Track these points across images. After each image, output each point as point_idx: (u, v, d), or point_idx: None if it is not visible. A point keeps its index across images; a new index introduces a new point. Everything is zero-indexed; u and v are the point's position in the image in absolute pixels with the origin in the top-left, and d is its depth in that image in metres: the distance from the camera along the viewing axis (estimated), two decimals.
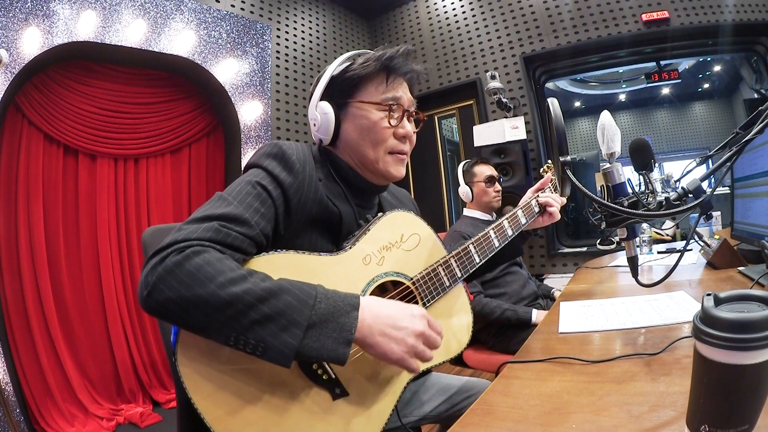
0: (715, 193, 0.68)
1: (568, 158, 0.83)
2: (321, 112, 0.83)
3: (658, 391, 0.57)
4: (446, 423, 1.00)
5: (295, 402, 0.67)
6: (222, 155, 3.24)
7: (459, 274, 0.88)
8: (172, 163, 3.01)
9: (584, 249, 3.39)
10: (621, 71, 6.50)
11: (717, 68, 6.45)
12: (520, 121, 3.35)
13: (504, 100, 3.33)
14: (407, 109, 0.85)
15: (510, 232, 1.02)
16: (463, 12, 3.88)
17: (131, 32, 2.55)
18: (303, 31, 3.69)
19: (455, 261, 0.88)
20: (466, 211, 2.08)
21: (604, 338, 0.83)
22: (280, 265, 0.70)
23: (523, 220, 1.07)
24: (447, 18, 3.96)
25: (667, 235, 2.33)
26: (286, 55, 3.49)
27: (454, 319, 0.88)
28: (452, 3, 3.94)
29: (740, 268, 1.20)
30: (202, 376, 0.63)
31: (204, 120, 3.12)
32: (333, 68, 0.84)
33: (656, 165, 0.97)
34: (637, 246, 0.93)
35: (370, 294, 0.78)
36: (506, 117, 3.44)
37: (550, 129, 0.83)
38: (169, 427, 2.39)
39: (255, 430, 0.64)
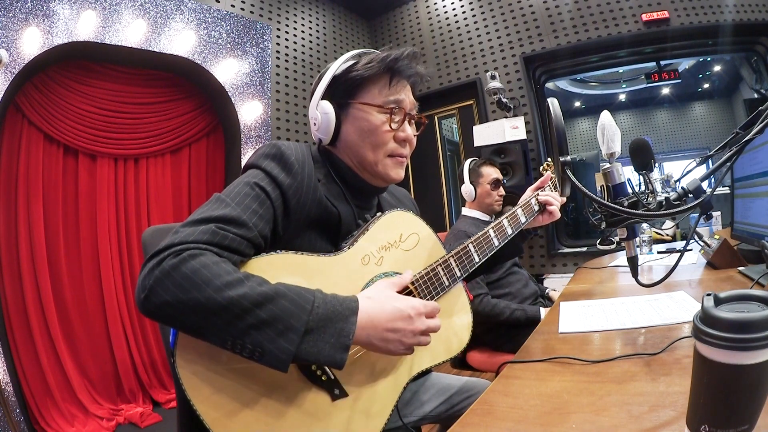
0: (715, 193, 0.68)
1: (568, 158, 0.83)
2: (322, 112, 0.82)
3: (658, 391, 0.57)
4: (446, 423, 1.00)
5: (294, 403, 0.67)
6: (222, 155, 3.24)
7: (458, 274, 0.88)
8: (172, 163, 3.01)
9: (584, 249, 3.39)
10: (621, 71, 6.50)
11: (717, 68, 6.45)
12: (520, 121, 3.35)
13: (504, 100, 3.33)
14: (409, 113, 0.85)
15: (510, 231, 1.02)
16: (463, 12, 3.88)
17: (131, 32, 2.55)
18: (303, 31, 3.69)
19: (454, 260, 0.88)
20: (466, 211, 2.06)
21: (604, 338, 0.83)
22: (278, 266, 0.70)
23: (523, 219, 1.07)
24: (447, 18, 3.96)
25: (667, 235, 2.33)
26: (286, 55, 3.49)
27: (455, 318, 0.88)
28: (452, 3, 3.94)
29: (740, 268, 1.20)
30: (201, 378, 0.63)
31: (204, 120, 3.12)
32: (336, 67, 0.83)
33: (656, 165, 0.97)
34: (637, 246, 0.93)
35: None
36: (506, 117, 3.44)
37: (550, 129, 0.83)
38: (169, 427, 2.39)
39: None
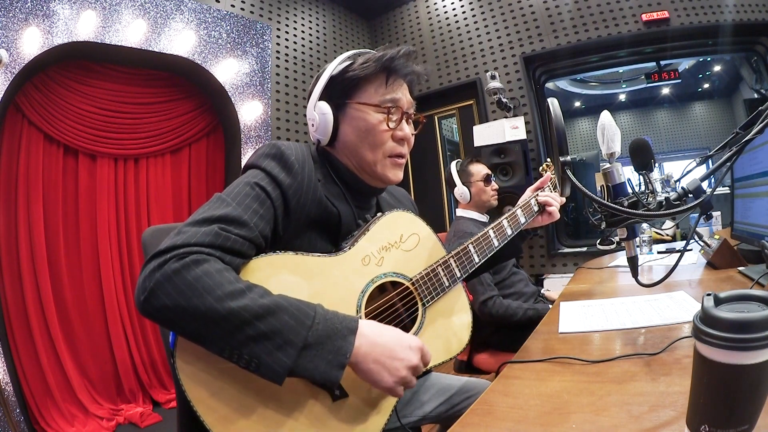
0: (715, 193, 0.68)
1: (568, 158, 0.83)
2: (319, 113, 0.82)
3: (658, 391, 0.57)
4: (446, 423, 1.00)
5: (294, 404, 0.67)
6: (222, 155, 3.24)
7: (458, 274, 0.88)
8: (172, 163, 3.01)
9: (584, 249, 3.39)
10: (621, 71, 6.50)
11: (717, 68, 6.45)
12: (520, 121, 3.35)
13: (504, 100, 3.33)
14: (406, 111, 0.85)
15: (509, 231, 1.02)
16: (463, 12, 3.88)
17: (131, 32, 2.55)
18: (303, 31, 3.69)
19: (454, 261, 0.88)
20: (461, 212, 2.03)
21: (604, 338, 0.83)
22: (279, 267, 0.70)
23: (523, 219, 1.07)
24: (447, 18, 3.96)
25: (667, 235, 2.33)
26: (286, 55, 3.49)
27: (455, 318, 0.88)
28: (452, 3, 3.94)
29: (740, 268, 1.20)
30: (200, 379, 0.63)
31: (204, 120, 3.12)
32: (332, 68, 0.83)
33: (656, 165, 0.97)
34: (637, 246, 0.93)
35: (369, 294, 0.78)
36: (506, 117, 3.44)
37: (550, 129, 0.83)
38: (169, 427, 2.39)
39: None
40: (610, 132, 0.86)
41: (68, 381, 2.37)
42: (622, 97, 7.26)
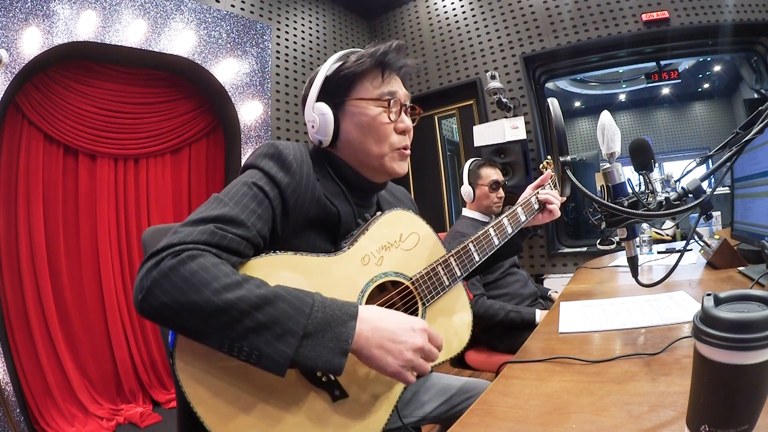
0: (715, 193, 0.68)
1: (568, 158, 0.83)
2: (318, 113, 0.82)
3: (658, 391, 0.57)
4: (446, 423, 1.00)
5: (294, 404, 0.67)
6: (222, 155, 3.24)
7: (458, 273, 0.88)
8: (172, 163, 3.01)
9: (584, 249, 3.38)
10: (621, 71, 6.50)
11: (717, 68, 6.45)
12: (520, 121, 3.35)
13: (504, 100, 3.33)
14: (404, 104, 0.85)
15: (510, 230, 1.02)
16: (463, 12, 3.88)
17: (131, 32, 2.55)
18: (303, 31, 3.69)
19: (454, 260, 0.88)
20: (465, 212, 2.05)
21: (604, 338, 0.83)
22: (278, 267, 0.70)
23: (523, 218, 1.07)
24: (447, 18, 3.96)
25: (667, 235, 2.33)
26: (286, 55, 3.49)
27: (455, 317, 0.88)
28: (452, 3, 3.94)
29: (740, 268, 1.20)
30: (200, 379, 0.63)
31: (204, 120, 3.12)
32: (326, 68, 0.84)
33: (656, 165, 0.97)
34: (637, 246, 0.93)
35: (369, 294, 0.78)
36: (506, 117, 3.44)
37: (550, 129, 0.83)
38: (169, 427, 2.39)
39: None
40: (610, 132, 0.86)
41: (68, 381, 2.37)
42: (622, 97, 7.26)
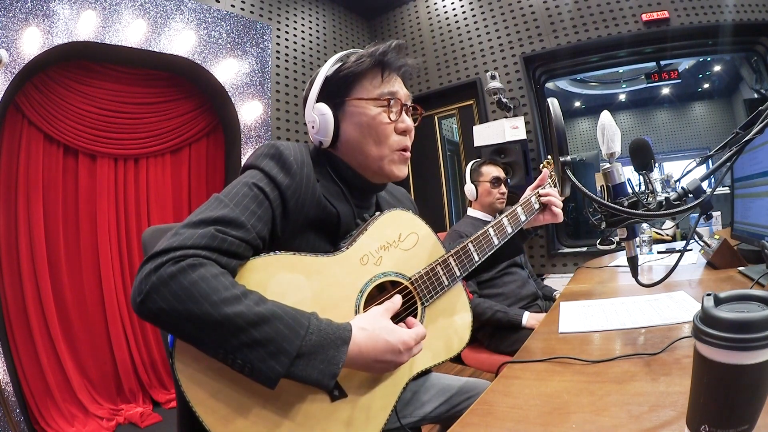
0: (715, 193, 0.68)
1: (568, 158, 0.83)
2: (318, 114, 0.82)
3: (658, 391, 0.57)
4: (446, 423, 1.00)
5: (294, 404, 0.67)
6: (222, 155, 3.24)
7: (458, 273, 0.88)
8: (172, 163, 3.01)
9: (584, 249, 3.38)
10: (621, 71, 6.50)
11: (717, 68, 6.45)
12: (520, 121, 3.35)
13: (504, 100, 3.33)
14: (405, 104, 0.85)
15: (509, 230, 1.02)
16: (463, 12, 3.88)
17: (131, 32, 2.55)
18: (303, 31, 3.69)
19: (454, 260, 0.88)
20: (470, 211, 2.08)
21: (604, 338, 0.83)
22: (277, 267, 0.70)
23: (523, 217, 1.07)
24: (447, 18, 3.96)
25: (667, 235, 2.33)
26: (286, 55, 3.49)
27: (456, 317, 0.88)
28: (452, 3, 3.94)
29: (740, 268, 1.20)
30: (200, 379, 0.63)
31: (204, 120, 3.12)
32: (326, 69, 0.84)
33: (656, 165, 0.97)
34: (637, 246, 0.93)
35: (368, 294, 0.78)
36: (506, 117, 3.44)
37: (550, 129, 0.83)
38: (169, 427, 2.39)
39: None
40: (610, 132, 0.86)
41: (68, 381, 2.37)
42: (622, 97, 7.26)
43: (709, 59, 6.11)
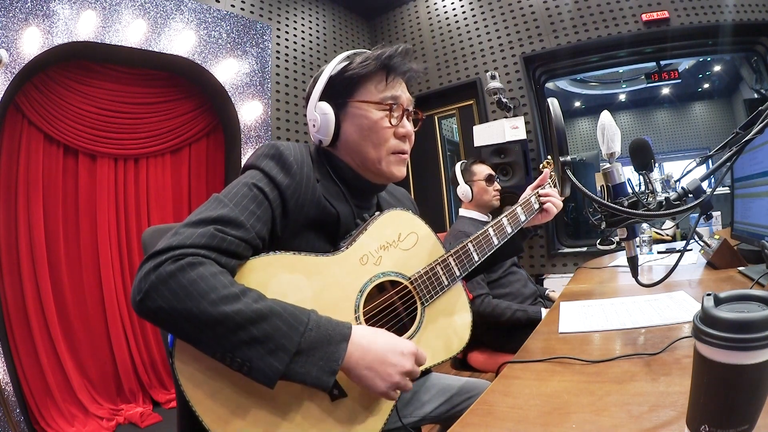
0: (715, 193, 0.68)
1: (568, 158, 0.83)
2: (320, 113, 0.83)
3: (658, 391, 0.57)
4: (447, 423, 1.00)
5: (293, 403, 0.67)
6: (222, 155, 3.24)
7: (457, 273, 0.88)
8: (172, 163, 3.01)
9: (584, 249, 3.38)
10: (621, 71, 6.50)
11: (717, 68, 6.44)
12: (520, 121, 3.35)
13: (504, 100, 3.33)
14: (406, 108, 0.85)
15: (509, 229, 1.02)
16: (463, 12, 3.88)
17: (131, 32, 2.55)
18: (303, 31, 3.69)
19: (453, 260, 0.88)
20: (463, 212, 2.07)
21: (604, 338, 0.83)
22: (277, 267, 0.70)
23: (523, 217, 1.07)
24: (447, 18, 3.96)
25: (667, 235, 2.33)
26: (286, 55, 3.49)
27: (456, 317, 0.88)
28: (452, 3, 3.94)
29: (740, 268, 1.20)
30: (199, 379, 0.63)
31: (204, 120, 3.12)
32: (331, 68, 0.84)
33: (656, 165, 0.97)
34: (637, 246, 0.93)
35: (368, 294, 0.78)
36: (506, 117, 3.44)
37: (550, 129, 0.83)
38: (169, 427, 2.38)
39: None
40: (610, 132, 0.86)
41: (68, 381, 2.37)
42: (622, 97, 7.25)
43: (709, 59, 6.11)
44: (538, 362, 0.75)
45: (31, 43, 2.21)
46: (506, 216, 1.03)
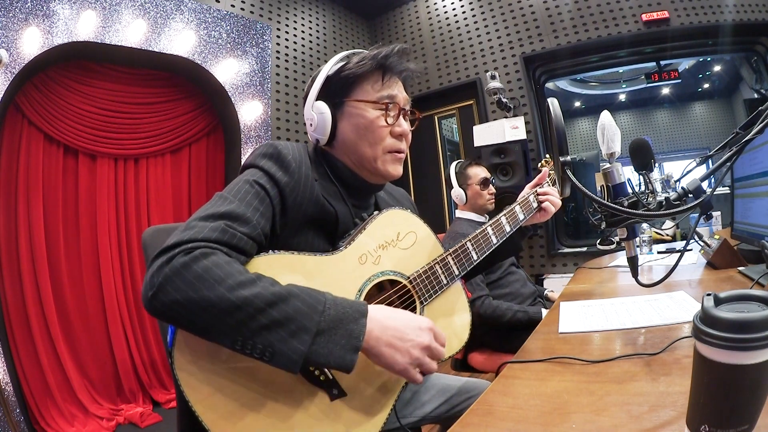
0: (715, 193, 0.68)
1: (568, 158, 0.83)
2: (317, 112, 0.83)
3: (658, 391, 0.57)
4: (446, 423, 1.00)
5: (292, 403, 0.67)
6: (222, 155, 3.24)
7: (456, 272, 0.88)
8: (172, 163, 3.01)
9: (584, 249, 3.38)
10: (621, 71, 6.49)
11: (717, 68, 6.44)
12: (520, 121, 3.35)
13: (504, 100, 3.33)
14: (403, 108, 0.85)
15: (508, 228, 1.02)
16: (463, 12, 3.88)
17: (131, 32, 2.55)
18: (303, 31, 3.69)
19: (452, 258, 0.88)
20: (459, 213, 2.03)
21: (604, 338, 0.83)
22: (275, 267, 0.70)
23: (521, 216, 1.07)
24: (447, 18, 3.96)
25: (667, 235, 2.33)
26: (286, 55, 3.49)
27: (455, 317, 0.88)
28: (452, 3, 3.94)
29: (740, 268, 1.20)
30: (199, 379, 0.63)
31: (204, 120, 3.12)
32: (328, 68, 0.84)
33: (656, 165, 0.97)
34: (637, 246, 0.93)
35: (367, 293, 0.78)
36: (506, 117, 3.44)
37: (550, 129, 0.83)
38: (169, 427, 2.38)
39: None
40: (610, 132, 0.86)
41: (68, 381, 2.37)
42: (622, 97, 7.25)
43: (709, 59, 6.11)
44: (538, 362, 0.75)
45: (31, 43, 2.21)
46: (505, 215, 1.03)
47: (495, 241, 0.98)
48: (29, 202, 2.39)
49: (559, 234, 3.60)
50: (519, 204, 1.07)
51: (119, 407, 2.51)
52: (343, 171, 0.85)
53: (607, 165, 0.87)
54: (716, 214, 2.11)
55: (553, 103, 0.83)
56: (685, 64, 6.22)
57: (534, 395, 0.62)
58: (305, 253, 0.73)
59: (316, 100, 0.84)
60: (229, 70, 2.98)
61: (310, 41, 3.74)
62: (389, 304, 0.82)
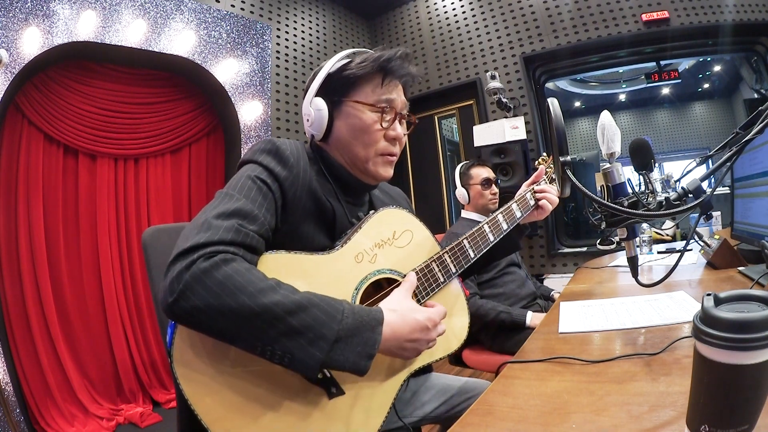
0: (715, 193, 0.68)
1: (568, 158, 0.83)
2: (315, 108, 0.83)
3: (658, 391, 0.57)
4: (446, 423, 1.00)
5: (291, 402, 0.67)
6: (222, 155, 3.25)
7: (453, 270, 0.88)
8: (172, 163, 3.00)
9: (584, 249, 3.38)
10: (621, 71, 6.50)
11: (717, 68, 6.44)
12: (520, 121, 3.35)
13: (504, 100, 3.33)
14: (400, 112, 0.86)
15: (504, 226, 1.02)
16: (463, 12, 3.88)
17: (131, 32, 2.55)
18: (303, 31, 3.69)
19: (449, 256, 0.88)
20: (464, 213, 2.08)
21: (604, 338, 0.83)
22: (273, 266, 0.70)
23: (518, 214, 1.06)
24: (447, 18, 3.96)
25: (667, 235, 2.33)
26: (286, 55, 3.49)
27: (455, 318, 0.88)
28: (452, 3, 3.94)
29: (740, 268, 1.20)
30: (198, 378, 0.63)
31: (204, 120, 3.12)
32: (330, 65, 0.84)
33: (656, 165, 0.97)
34: (637, 246, 0.93)
35: (364, 292, 0.78)
36: (506, 117, 3.44)
37: (550, 129, 0.83)
38: (169, 427, 2.38)
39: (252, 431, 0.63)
40: (610, 132, 0.86)
41: (68, 381, 2.37)
42: (622, 97, 7.26)
43: (709, 59, 6.11)
44: (538, 362, 0.74)
45: (31, 43, 2.21)
46: (501, 212, 1.03)
47: (492, 238, 0.98)
48: (29, 202, 2.39)
49: (559, 234, 3.60)
50: (516, 201, 1.07)
51: (119, 407, 2.51)
52: (338, 169, 0.86)
53: (607, 165, 0.87)
54: (716, 214, 2.11)
55: (553, 103, 0.83)
56: (685, 64, 6.22)
57: (534, 395, 0.62)
58: (302, 253, 0.73)
59: (315, 96, 0.84)
60: (229, 70, 2.98)
61: (310, 41, 3.74)
62: None
